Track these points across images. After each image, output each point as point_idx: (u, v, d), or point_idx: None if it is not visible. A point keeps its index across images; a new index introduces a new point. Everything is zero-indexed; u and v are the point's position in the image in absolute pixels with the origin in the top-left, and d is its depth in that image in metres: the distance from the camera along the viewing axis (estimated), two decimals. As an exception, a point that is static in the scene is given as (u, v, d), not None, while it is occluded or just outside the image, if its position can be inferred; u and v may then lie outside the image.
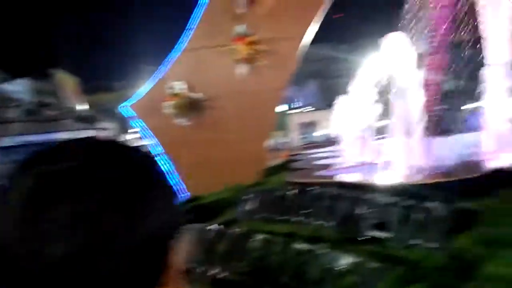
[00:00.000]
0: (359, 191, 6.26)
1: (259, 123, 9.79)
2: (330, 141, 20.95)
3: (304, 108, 38.73)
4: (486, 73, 11.78)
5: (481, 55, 13.56)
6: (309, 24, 9.27)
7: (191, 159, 10.15)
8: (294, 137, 28.68)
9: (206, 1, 9.92)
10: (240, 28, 9.14)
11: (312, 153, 15.50)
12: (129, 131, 26.04)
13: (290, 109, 35.10)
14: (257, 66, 9.12)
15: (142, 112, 11.39)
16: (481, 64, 13.29)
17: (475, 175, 7.01)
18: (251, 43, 9.00)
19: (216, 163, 9.88)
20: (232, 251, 5.55)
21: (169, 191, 0.58)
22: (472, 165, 7.97)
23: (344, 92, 12.60)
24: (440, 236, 4.62)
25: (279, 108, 18.40)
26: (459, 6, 16.10)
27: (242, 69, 9.14)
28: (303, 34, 9.35)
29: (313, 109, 36.91)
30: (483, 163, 7.85)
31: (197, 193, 9.23)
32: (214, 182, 9.07)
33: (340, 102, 13.31)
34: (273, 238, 5.45)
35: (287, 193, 7.09)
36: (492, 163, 7.77)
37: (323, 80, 38.92)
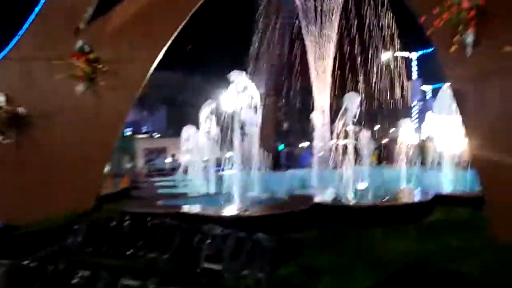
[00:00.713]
0: (197, 223, 6.25)
1: (95, 146, 8.99)
2: (175, 170, 20.72)
3: (151, 134, 37.85)
4: (314, 116, 13.66)
5: (311, 100, 15.67)
6: (157, 50, 9.13)
7: (6, 182, 8.71)
8: (139, 164, 27.51)
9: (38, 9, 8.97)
10: (80, 43, 8.45)
11: (156, 181, 15.08)
12: None
13: (136, 134, 33.83)
14: (96, 86, 8.47)
15: None
16: (311, 108, 15.31)
17: (302, 208, 7.72)
18: (91, 60, 8.36)
19: (40, 188, 8.68)
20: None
21: None
22: (301, 199, 8.79)
23: (192, 122, 12.73)
24: (267, 266, 4.87)
25: (123, 132, 17.50)
26: (293, 55, 18.42)
27: (78, 87, 8.37)
28: (150, 59, 9.15)
29: (161, 135, 36.33)
30: (310, 197, 8.73)
31: (13, 223, 7.93)
32: (35, 210, 7.93)
33: (187, 131, 13.40)
34: (100, 273, 4.99)
35: (122, 223, 6.64)
36: (317, 197, 8.73)
37: (173, 108, 38.90)
